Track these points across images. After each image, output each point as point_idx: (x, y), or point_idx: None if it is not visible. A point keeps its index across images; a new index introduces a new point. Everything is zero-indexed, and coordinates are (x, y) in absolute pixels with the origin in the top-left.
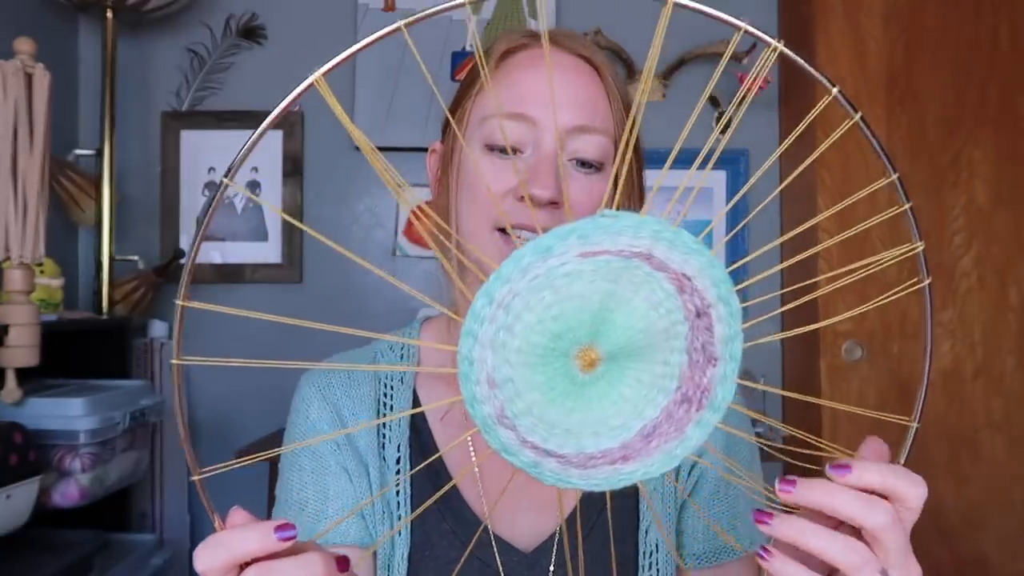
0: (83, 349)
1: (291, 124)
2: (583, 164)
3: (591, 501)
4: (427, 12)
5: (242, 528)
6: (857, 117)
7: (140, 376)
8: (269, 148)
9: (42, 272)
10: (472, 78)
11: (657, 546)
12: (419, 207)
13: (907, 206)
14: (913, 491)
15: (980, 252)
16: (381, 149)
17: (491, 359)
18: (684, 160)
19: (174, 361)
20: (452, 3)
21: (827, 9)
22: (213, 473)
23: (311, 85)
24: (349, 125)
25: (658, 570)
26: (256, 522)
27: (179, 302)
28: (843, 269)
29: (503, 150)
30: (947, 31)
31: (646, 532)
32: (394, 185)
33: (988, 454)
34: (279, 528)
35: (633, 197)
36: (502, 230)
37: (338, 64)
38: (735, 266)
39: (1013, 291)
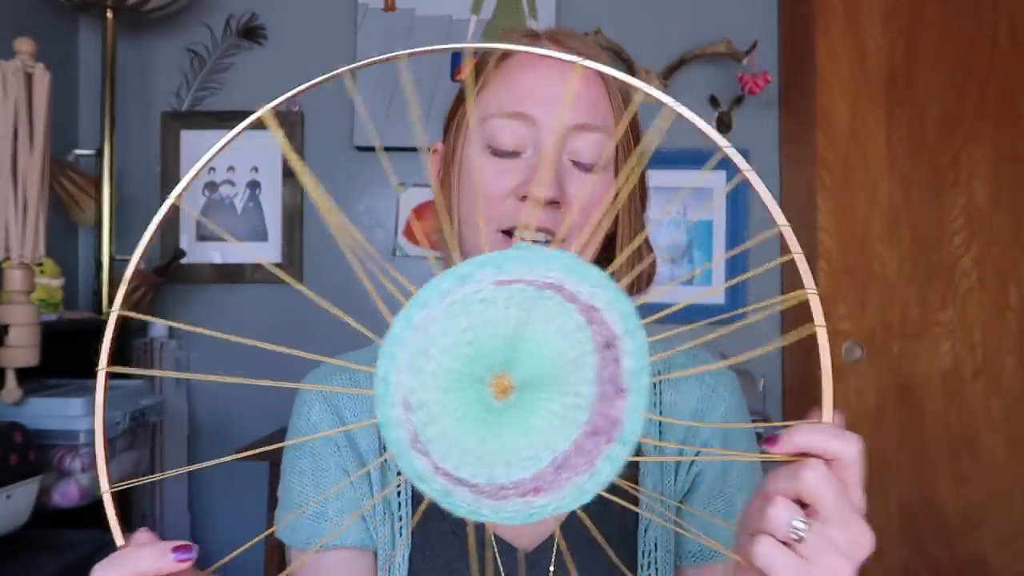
0: (83, 349)
1: (291, 124)
2: (583, 162)
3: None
4: (428, 49)
5: (140, 547)
6: (748, 173)
7: (140, 376)
8: (269, 148)
9: (42, 272)
10: (472, 79)
11: (656, 545)
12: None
13: (797, 255)
14: (841, 445)
15: (980, 252)
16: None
17: (407, 382)
18: (683, 160)
19: (100, 369)
20: (454, 45)
21: (827, 9)
22: (125, 487)
23: (259, 119)
24: (293, 157)
25: (656, 569)
26: (156, 542)
27: (114, 310)
28: (738, 311)
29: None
30: (947, 30)
31: (645, 531)
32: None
33: (988, 454)
34: (176, 549)
35: (635, 198)
36: (506, 232)
37: (291, 97)
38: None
39: (1013, 291)
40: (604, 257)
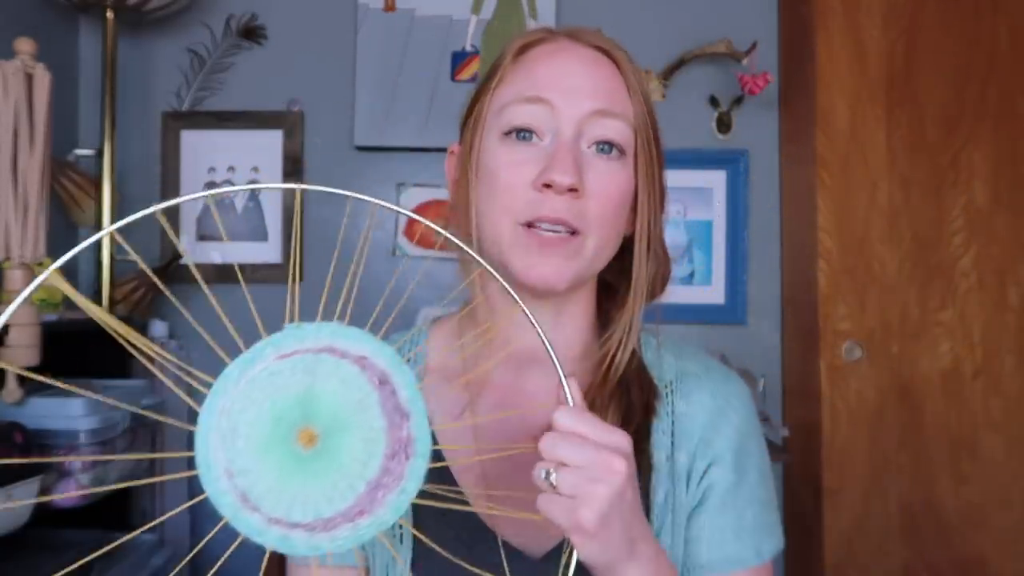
0: (83, 349)
1: (291, 124)
2: (602, 149)
3: None
4: (324, 189)
5: None
6: (445, 234)
7: (140, 376)
8: (269, 148)
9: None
10: (488, 75)
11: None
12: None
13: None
14: (556, 415)
15: (980, 252)
16: (381, 149)
17: (224, 456)
18: (683, 160)
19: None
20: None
21: (827, 9)
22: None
23: (46, 277)
24: (89, 307)
25: None
26: None
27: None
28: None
29: (521, 134)
30: (947, 31)
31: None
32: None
33: (987, 454)
34: None
35: (654, 195)
36: (526, 224)
37: (77, 252)
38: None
39: (1013, 291)
40: (617, 258)
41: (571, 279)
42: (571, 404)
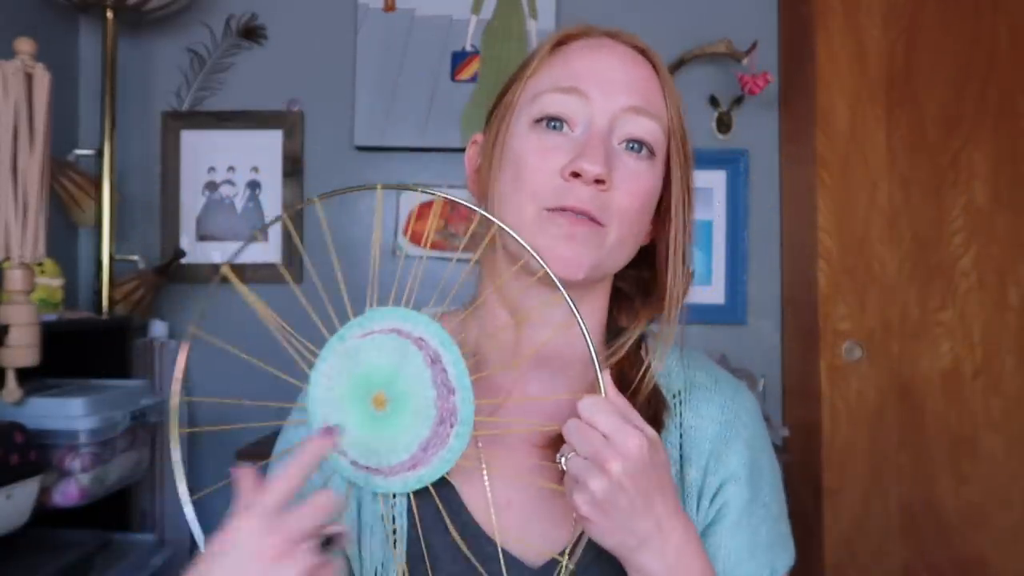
0: (83, 349)
1: (291, 124)
2: (632, 147)
3: None
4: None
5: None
6: (483, 212)
7: (140, 376)
8: (269, 148)
9: (42, 272)
10: (523, 65)
11: None
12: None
13: None
14: (580, 405)
15: (980, 252)
16: (381, 149)
17: (320, 410)
18: None
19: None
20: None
21: (827, 9)
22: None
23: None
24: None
25: None
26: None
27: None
28: None
29: (553, 123)
30: (947, 31)
31: None
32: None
33: (987, 454)
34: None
35: (686, 202)
36: (550, 210)
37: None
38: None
39: (1013, 291)
40: (633, 266)
41: (589, 267)
42: (603, 395)
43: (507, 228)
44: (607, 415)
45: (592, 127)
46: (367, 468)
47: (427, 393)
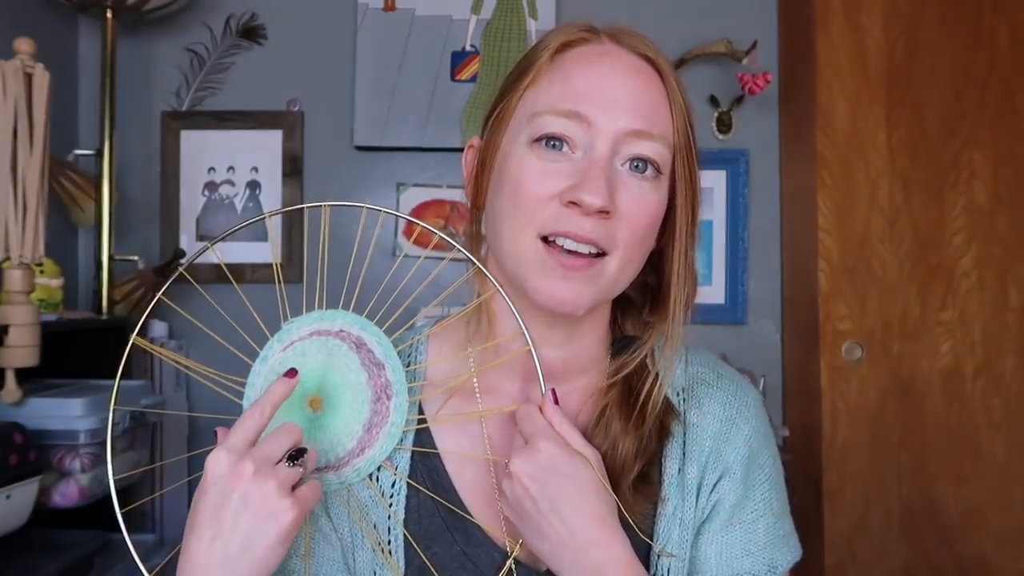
0: (83, 349)
1: (291, 124)
2: (637, 167)
3: None
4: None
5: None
6: (454, 242)
7: (140, 376)
8: (269, 148)
9: (42, 272)
10: (521, 70)
11: (668, 571)
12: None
13: None
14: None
15: (980, 252)
16: (381, 149)
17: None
18: None
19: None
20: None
21: (827, 9)
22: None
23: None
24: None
25: None
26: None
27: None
28: None
29: (552, 143)
30: (947, 31)
31: (657, 556)
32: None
33: (988, 454)
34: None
35: (692, 216)
36: (545, 239)
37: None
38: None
39: (1013, 291)
40: (640, 281)
41: (590, 303)
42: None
43: (494, 283)
44: (531, 422)
45: (593, 152)
46: (318, 470)
47: (359, 378)
